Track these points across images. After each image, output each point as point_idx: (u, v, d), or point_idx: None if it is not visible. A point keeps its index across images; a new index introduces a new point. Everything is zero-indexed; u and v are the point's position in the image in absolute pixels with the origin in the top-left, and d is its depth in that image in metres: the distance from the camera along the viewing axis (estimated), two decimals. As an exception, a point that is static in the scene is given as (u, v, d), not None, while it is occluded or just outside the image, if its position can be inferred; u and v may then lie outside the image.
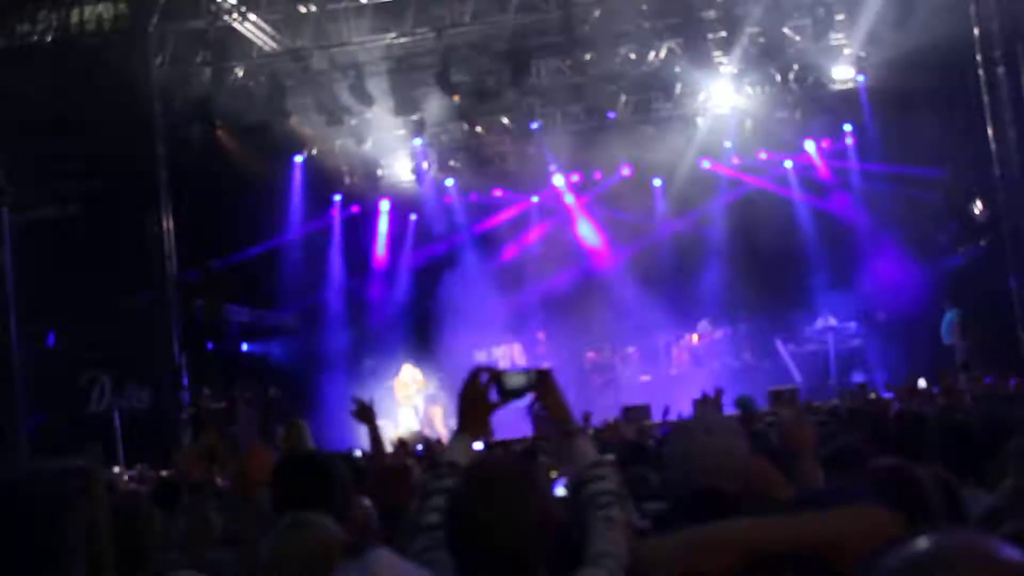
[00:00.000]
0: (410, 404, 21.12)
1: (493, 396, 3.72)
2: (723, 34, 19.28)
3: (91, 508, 2.28)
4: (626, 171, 23.44)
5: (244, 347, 21.32)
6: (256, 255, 21.28)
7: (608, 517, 3.38)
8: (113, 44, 18.46)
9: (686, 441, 3.92)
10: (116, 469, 14.35)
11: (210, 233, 19.65)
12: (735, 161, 23.14)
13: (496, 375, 3.72)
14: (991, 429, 6.48)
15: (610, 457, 3.76)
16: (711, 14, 19.16)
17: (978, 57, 18.14)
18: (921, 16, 18.05)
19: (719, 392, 10.29)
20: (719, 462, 3.75)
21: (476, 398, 3.72)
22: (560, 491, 5.18)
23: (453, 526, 3.08)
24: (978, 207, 19.05)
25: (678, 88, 21.29)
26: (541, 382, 3.69)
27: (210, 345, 19.86)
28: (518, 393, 3.68)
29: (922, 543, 1.74)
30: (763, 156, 23.01)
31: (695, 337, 21.95)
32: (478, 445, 3.80)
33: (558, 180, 23.63)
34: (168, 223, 18.45)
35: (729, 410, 10.31)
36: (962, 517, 4.17)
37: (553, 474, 5.91)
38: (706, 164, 23.28)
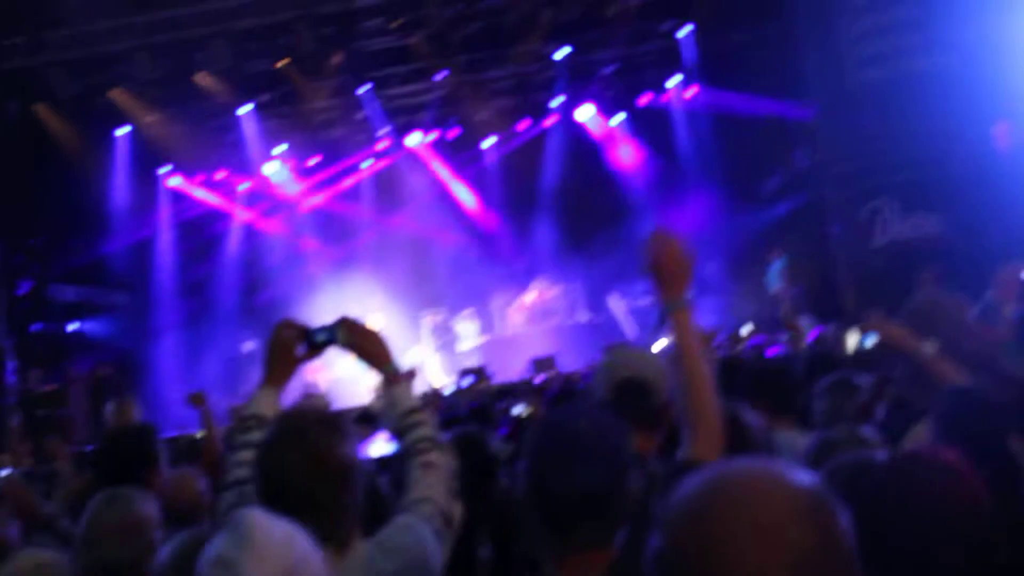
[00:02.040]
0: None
1: (300, 350, 3.70)
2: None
3: None
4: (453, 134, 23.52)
5: (71, 326, 20.80)
6: (81, 232, 20.77)
7: (427, 463, 3.38)
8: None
9: (612, 350, 4.33)
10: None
11: (32, 212, 19.14)
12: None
13: (302, 328, 3.69)
14: (811, 369, 6.68)
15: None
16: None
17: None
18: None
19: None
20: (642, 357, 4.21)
21: (282, 351, 3.68)
22: (382, 442, 5.21)
23: (261, 473, 3.09)
24: (800, 158, 19.49)
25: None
26: (347, 330, 3.66)
27: (36, 326, 19.34)
28: (325, 344, 3.66)
29: (707, 472, 1.75)
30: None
31: (529, 297, 22.09)
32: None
33: (413, 138, 23.52)
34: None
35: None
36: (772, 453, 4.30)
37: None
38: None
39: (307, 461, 3.01)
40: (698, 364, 3.29)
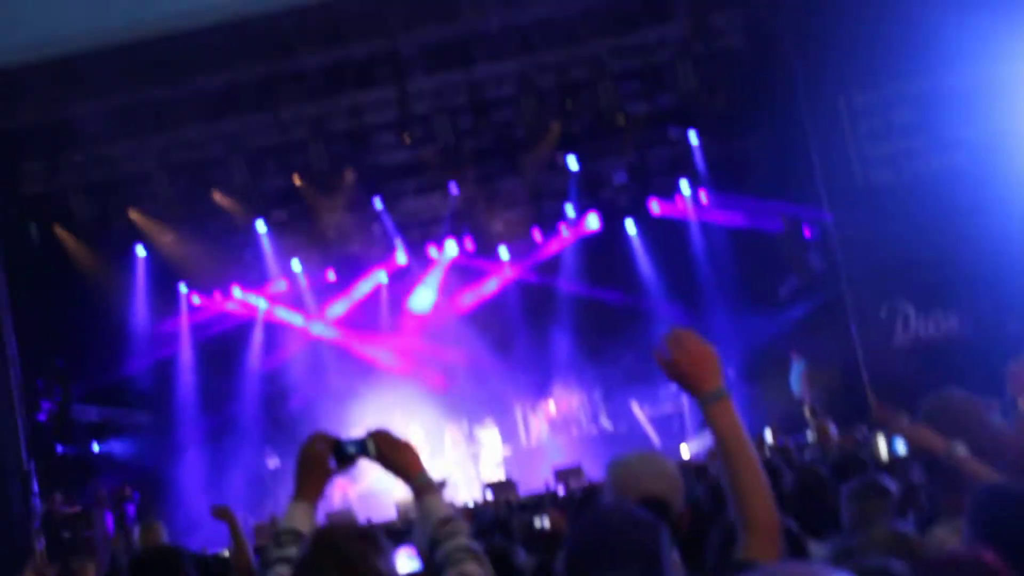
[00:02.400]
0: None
1: (331, 463, 3.67)
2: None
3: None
4: (469, 245, 23.69)
5: (95, 447, 20.80)
6: (102, 352, 20.87)
7: (462, 574, 3.32)
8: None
9: (623, 464, 4.03)
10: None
11: (53, 334, 19.26)
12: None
13: (334, 441, 3.66)
14: (839, 471, 6.68)
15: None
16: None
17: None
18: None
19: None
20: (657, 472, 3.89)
21: (314, 463, 3.65)
22: (405, 560, 5.13)
23: None
24: (816, 259, 19.55)
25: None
26: (378, 442, 3.63)
27: (59, 448, 19.34)
28: (355, 457, 3.65)
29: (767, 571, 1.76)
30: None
31: (551, 405, 22.05)
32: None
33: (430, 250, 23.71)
34: (8, 325, 17.93)
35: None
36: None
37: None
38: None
39: None
40: (747, 457, 3.15)
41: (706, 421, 3.22)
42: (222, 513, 7.35)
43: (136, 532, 8.44)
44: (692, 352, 3.24)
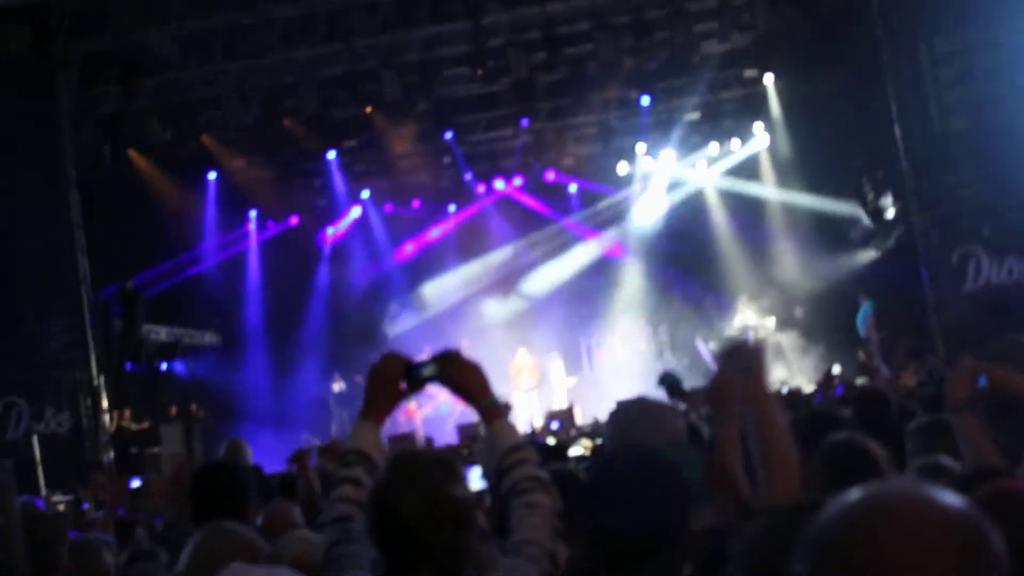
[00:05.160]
0: (522, 390, 21.18)
1: (403, 384, 3.59)
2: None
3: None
4: (551, 176, 23.68)
5: (163, 366, 21.15)
6: (172, 274, 21.16)
7: (529, 503, 3.27)
8: (17, 67, 18.20)
9: (621, 415, 4.05)
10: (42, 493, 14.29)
11: (125, 254, 19.54)
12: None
13: (405, 362, 3.58)
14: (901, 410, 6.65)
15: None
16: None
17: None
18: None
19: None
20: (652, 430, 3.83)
21: (386, 385, 3.58)
22: (476, 481, 5.15)
23: (375, 518, 3.02)
24: (888, 204, 19.37)
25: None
26: (447, 363, 3.55)
27: (129, 365, 19.66)
28: (427, 380, 3.56)
29: (854, 494, 1.74)
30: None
31: (616, 339, 22.12)
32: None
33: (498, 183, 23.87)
34: (81, 245, 18.19)
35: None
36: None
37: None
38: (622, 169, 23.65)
39: (422, 502, 2.96)
40: (770, 403, 3.28)
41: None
42: (298, 458, 7.39)
43: (221, 450, 8.50)
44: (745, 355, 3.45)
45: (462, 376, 3.56)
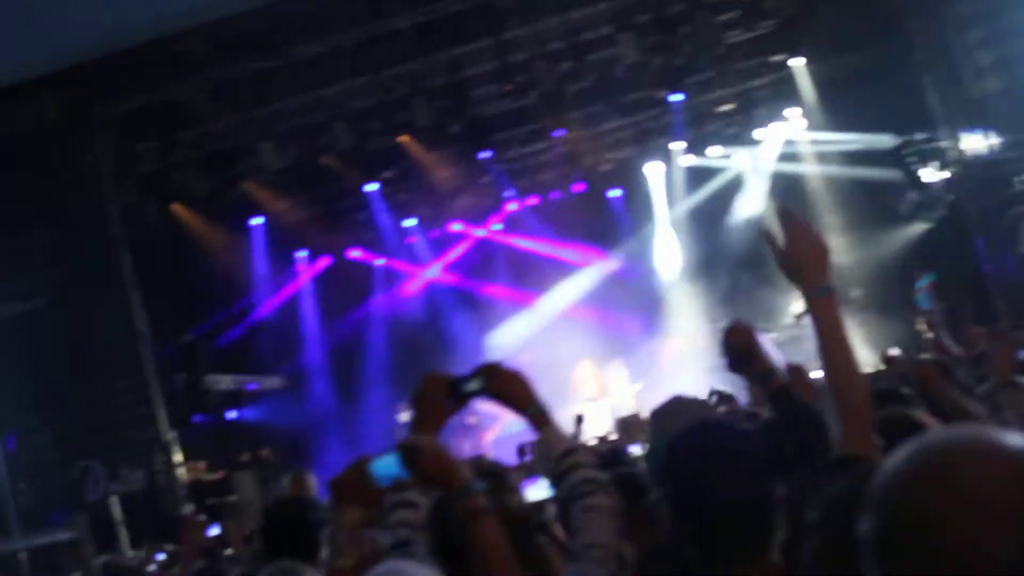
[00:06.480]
0: (587, 401, 21.00)
1: (448, 402, 3.58)
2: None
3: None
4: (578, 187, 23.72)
5: (231, 415, 21.31)
6: (231, 323, 21.36)
7: (591, 506, 3.26)
8: (60, 132, 18.49)
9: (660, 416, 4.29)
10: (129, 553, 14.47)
11: (181, 308, 19.76)
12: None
13: (448, 380, 3.58)
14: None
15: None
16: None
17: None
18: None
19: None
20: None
21: (430, 403, 3.57)
22: (536, 491, 5.15)
23: (438, 537, 3.12)
24: (933, 173, 19.19)
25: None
26: (490, 375, 3.54)
27: (197, 417, 19.84)
28: (472, 394, 3.55)
29: (917, 444, 1.66)
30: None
31: (677, 340, 22.03)
32: None
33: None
34: (136, 303, 18.42)
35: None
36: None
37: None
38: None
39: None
40: (847, 353, 3.17)
41: (811, 315, 3.22)
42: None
43: (283, 483, 8.48)
44: (806, 245, 3.24)
45: (506, 387, 3.54)
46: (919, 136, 19.15)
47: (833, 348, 3.18)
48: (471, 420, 20.18)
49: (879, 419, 4.24)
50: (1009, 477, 1.55)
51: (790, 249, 3.24)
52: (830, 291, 3.21)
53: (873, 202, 20.92)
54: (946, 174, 18.57)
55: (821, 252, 3.23)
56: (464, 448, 19.50)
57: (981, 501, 1.54)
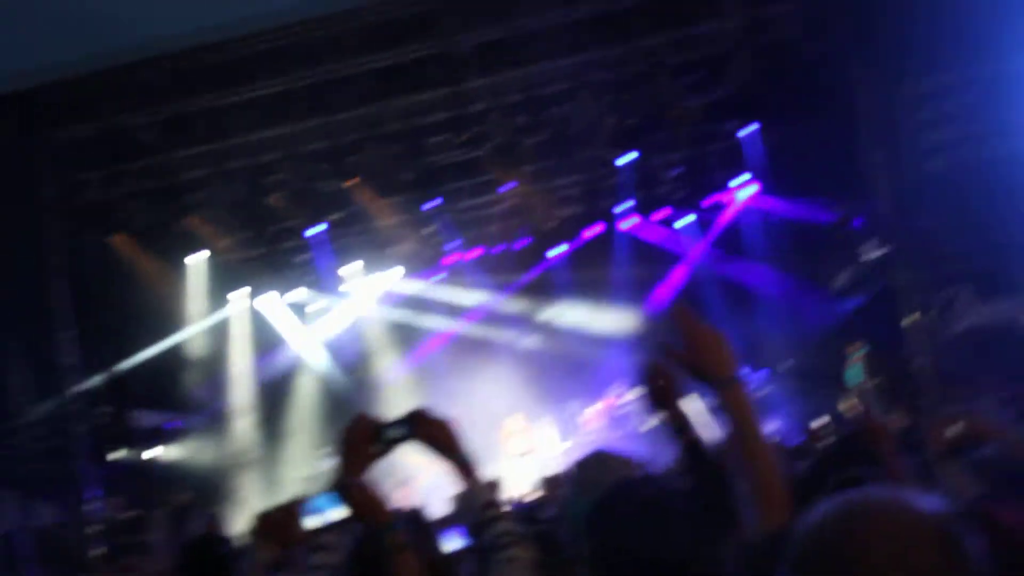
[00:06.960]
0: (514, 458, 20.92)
1: (373, 447, 3.59)
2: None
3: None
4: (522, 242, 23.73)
5: (150, 452, 21.01)
6: (159, 358, 21.09)
7: (508, 559, 3.29)
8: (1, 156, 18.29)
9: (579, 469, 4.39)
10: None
11: (111, 341, 19.52)
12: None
13: (376, 424, 3.59)
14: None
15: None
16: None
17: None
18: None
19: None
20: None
21: (355, 448, 3.56)
22: (453, 542, 5.15)
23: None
24: (870, 250, 19.35)
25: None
26: (416, 422, 3.56)
27: (117, 453, 19.57)
28: (397, 440, 3.55)
29: (837, 499, 1.76)
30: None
31: (607, 402, 21.95)
32: None
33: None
34: (65, 334, 18.16)
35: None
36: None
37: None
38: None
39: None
40: (759, 438, 3.11)
41: (721, 407, 3.16)
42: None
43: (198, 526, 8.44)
44: (703, 340, 3.19)
45: (433, 433, 3.56)
46: (862, 213, 19.31)
47: (746, 433, 3.12)
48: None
49: (839, 481, 4.23)
50: (922, 536, 1.66)
51: (689, 350, 3.19)
52: (736, 381, 3.18)
53: (810, 275, 21.05)
54: (884, 250, 18.72)
55: (718, 343, 3.20)
56: (394, 498, 19.32)
57: (898, 556, 1.64)
